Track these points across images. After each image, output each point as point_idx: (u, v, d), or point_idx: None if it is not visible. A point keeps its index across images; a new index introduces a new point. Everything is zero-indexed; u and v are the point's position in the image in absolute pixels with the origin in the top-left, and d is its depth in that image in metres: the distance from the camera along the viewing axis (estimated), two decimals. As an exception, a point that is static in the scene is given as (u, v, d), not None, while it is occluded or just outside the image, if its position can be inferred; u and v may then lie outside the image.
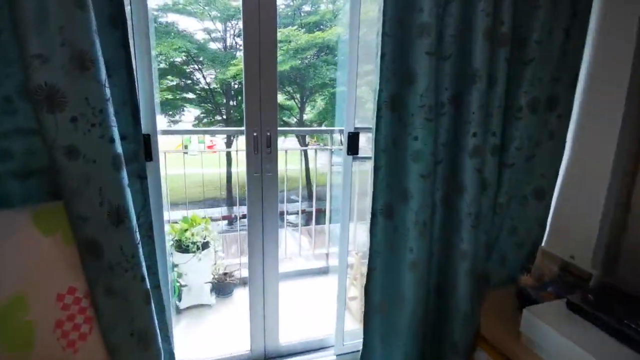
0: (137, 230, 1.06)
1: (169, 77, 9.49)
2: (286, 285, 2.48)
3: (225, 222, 8.03)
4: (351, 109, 1.44)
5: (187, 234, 2.00)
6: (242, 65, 1.35)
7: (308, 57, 8.86)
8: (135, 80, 1.14)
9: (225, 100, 9.55)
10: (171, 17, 8.81)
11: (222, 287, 2.20)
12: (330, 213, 2.74)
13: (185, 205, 2.67)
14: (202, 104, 9.97)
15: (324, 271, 2.61)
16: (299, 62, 8.68)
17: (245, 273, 2.24)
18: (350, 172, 1.50)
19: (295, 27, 8.90)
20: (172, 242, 2.00)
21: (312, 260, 2.78)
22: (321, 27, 9.57)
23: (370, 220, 1.35)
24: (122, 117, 1.11)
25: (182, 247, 1.99)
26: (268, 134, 1.39)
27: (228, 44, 9.11)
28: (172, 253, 2.00)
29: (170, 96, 9.56)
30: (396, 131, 1.29)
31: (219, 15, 8.77)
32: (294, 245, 3.02)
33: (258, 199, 1.45)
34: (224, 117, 9.56)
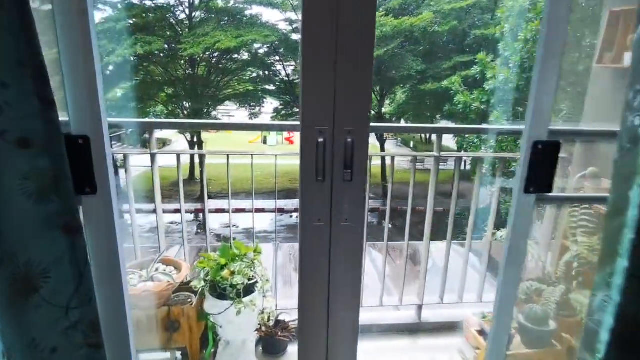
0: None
1: (251, 68, 9.34)
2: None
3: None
4: (547, 96, 0.60)
5: (224, 272, 1.35)
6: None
7: (392, 46, 8.01)
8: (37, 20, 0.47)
9: (304, 93, 9.20)
10: (255, 10, 8.68)
11: (271, 343, 1.54)
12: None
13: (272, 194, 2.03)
14: (281, 96, 9.70)
15: (411, 329, 1.72)
16: (383, 52, 7.82)
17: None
18: (528, 229, 0.64)
19: (382, 12, 8.02)
20: (203, 283, 1.36)
21: (393, 308, 1.83)
22: (408, 12, 8.60)
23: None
24: (18, 96, 0.46)
25: (216, 291, 1.35)
26: (349, 139, 0.62)
27: (310, 35, 8.69)
28: (203, 296, 1.38)
29: (251, 87, 9.41)
30: None
31: (299, 4, 8.39)
32: (371, 287, 1.81)
33: (322, 280, 0.70)
34: (302, 109, 9.23)
